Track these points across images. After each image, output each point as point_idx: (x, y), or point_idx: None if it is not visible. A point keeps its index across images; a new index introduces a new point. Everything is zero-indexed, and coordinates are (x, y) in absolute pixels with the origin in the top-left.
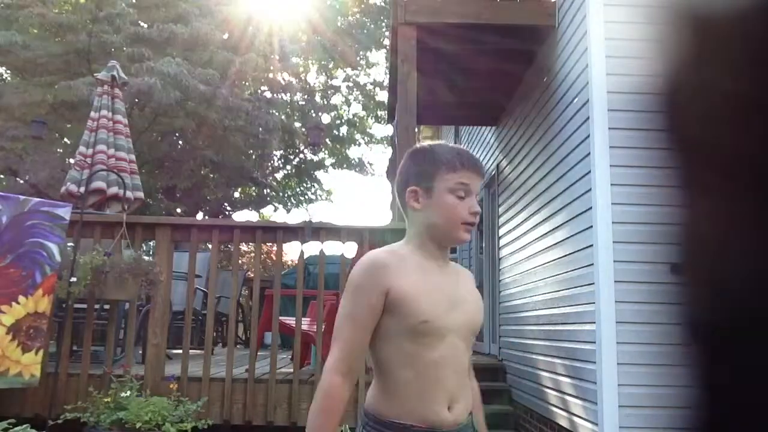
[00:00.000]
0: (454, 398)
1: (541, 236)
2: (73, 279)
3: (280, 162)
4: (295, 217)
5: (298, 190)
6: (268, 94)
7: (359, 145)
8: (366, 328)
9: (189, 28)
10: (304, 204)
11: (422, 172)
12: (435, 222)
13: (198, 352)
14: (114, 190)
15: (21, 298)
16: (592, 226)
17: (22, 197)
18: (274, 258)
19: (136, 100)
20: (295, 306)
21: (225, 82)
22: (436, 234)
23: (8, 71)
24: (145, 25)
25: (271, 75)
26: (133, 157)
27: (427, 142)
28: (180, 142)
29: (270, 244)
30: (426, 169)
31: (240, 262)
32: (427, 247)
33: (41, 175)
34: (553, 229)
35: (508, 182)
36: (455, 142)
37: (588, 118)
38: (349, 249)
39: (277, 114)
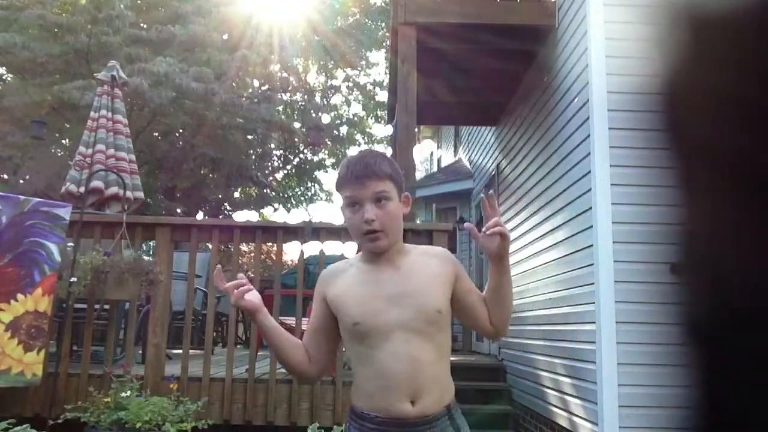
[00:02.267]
0: (416, 392)
1: (541, 236)
2: (73, 279)
3: (280, 162)
4: (295, 217)
5: (298, 190)
6: (267, 92)
7: (359, 145)
8: (317, 328)
9: (187, 29)
10: (304, 204)
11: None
12: (353, 237)
13: (198, 352)
14: (114, 190)
15: (19, 296)
16: (592, 226)
17: (21, 197)
18: (274, 258)
19: (128, 99)
20: (295, 306)
21: (222, 79)
22: (358, 245)
23: (8, 72)
24: (145, 26)
25: (268, 71)
26: (132, 157)
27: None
28: (180, 142)
29: (270, 244)
30: (335, 188)
31: (240, 262)
32: (365, 256)
33: (41, 175)
34: (553, 229)
35: (508, 182)
36: (455, 142)
37: (588, 118)
38: (349, 249)
39: (276, 109)
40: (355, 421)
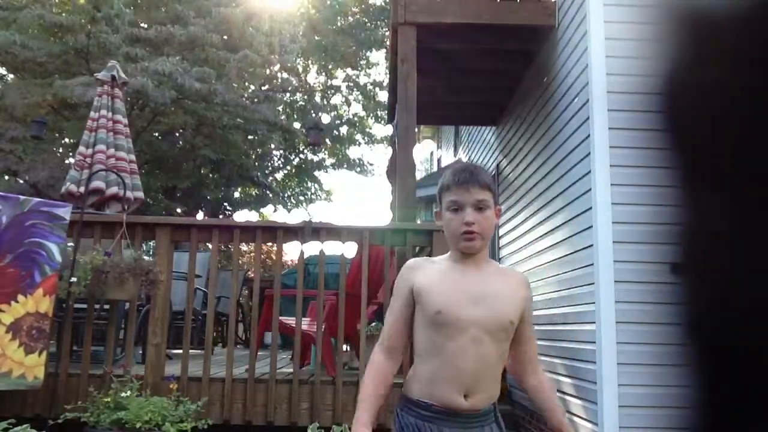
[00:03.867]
0: (472, 388)
1: (541, 236)
2: (73, 279)
3: (280, 162)
4: (295, 217)
5: (298, 190)
6: (267, 92)
7: (359, 145)
8: (400, 316)
9: (187, 30)
10: (304, 204)
11: (437, 195)
12: (446, 236)
13: (198, 352)
14: (114, 190)
15: (20, 297)
16: (592, 226)
17: (21, 197)
18: (274, 258)
19: (128, 98)
20: (295, 306)
21: (222, 79)
22: (451, 244)
23: (8, 71)
24: (145, 26)
25: (268, 71)
26: (133, 157)
27: (451, 165)
28: (180, 142)
29: (270, 244)
30: (437, 192)
31: (240, 262)
32: (454, 255)
33: (41, 175)
34: (553, 229)
35: (508, 182)
36: (455, 142)
37: (588, 118)
38: (349, 249)
39: (277, 109)
40: (411, 410)
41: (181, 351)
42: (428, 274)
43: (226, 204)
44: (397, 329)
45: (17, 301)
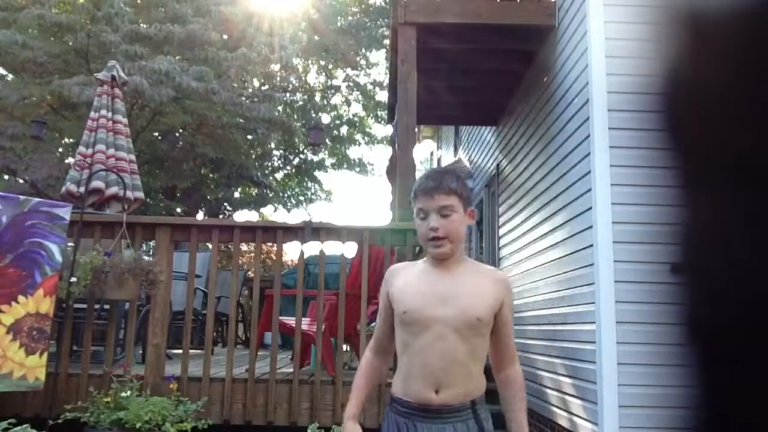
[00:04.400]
0: (442, 383)
1: (541, 236)
2: (73, 279)
3: (280, 162)
4: (295, 217)
5: (298, 190)
6: (267, 92)
7: (359, 145)
8: (385, 318)
9: (186, 28)
10: (304, 204)
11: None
12: (418, 240)
13: (198, 352)
14: (114, 190)
15: (20, 298)
16: (592, 226)
17: (21, 197)
18: (274, 258)
19: (127, 98)
20: (295, 306)
21: (222, 78)
22: (424, 249)
23: (8, 71)
24: (144, 26)
25: (268, 71)
26: (133, 157)
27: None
28: (180, 142)
29: (270, 244)
30: (411, 198)
31: (240, 262)
32: (429, 260)
33: (41, 174)
34: (553, 229)
35: (508, 182)
36: (455, 142)
37: (588, 118)
38: (349, 249)
39: (276, 109)
40: (393, 407)
41: (181, 351)
42: (404, 278)
43: (226, 204)
44: (384, 332)
45: (18, 302)
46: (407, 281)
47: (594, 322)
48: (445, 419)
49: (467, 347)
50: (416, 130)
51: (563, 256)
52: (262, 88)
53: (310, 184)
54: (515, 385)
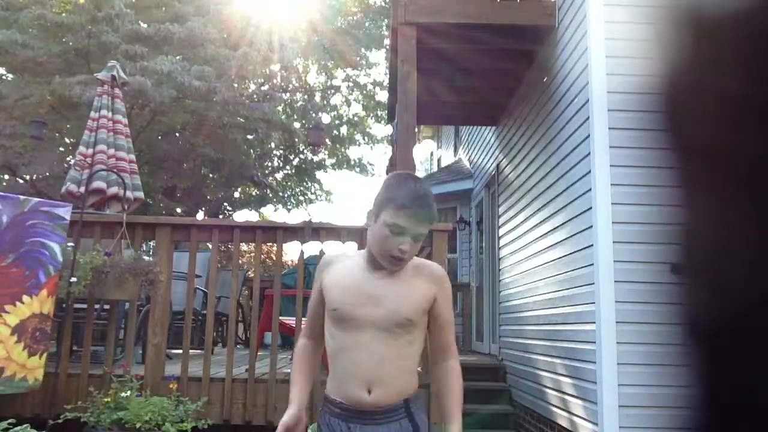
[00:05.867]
0: (373, 383)
1: (541, 236)
2: (73, 279)
3: (280, 162)
4: (295, 217)
5: (298, 190)
6: (268, 91)
7: (359, 145)
8: (316, 309)
9: (186, 28)
10: (304, 204)
11: (379, 202)
12: (372, 245)
13: (198, 352)
14: (114, 190)
15: (25, 298)
16: (592, 226)
17: (21, 197)
18: (274, 258)
19: (127, 98)
20: (295, 306)
21: (222, 78)
22: (375, 252)
23: (8, 71)
24: (145, 25)
25: (268, 71)
26: (133, 157)
27: (405, 177)
28: (180, 142)
29: (270, 244)
30: (381, 200)
31: (240, 262)
32: (369, 257)
33: (40, 170)
34: (553, 229)
35: (508, 182)
36: (455, 142)
37: (588, 118)
38: (349, 249)
39: (277, 109)
40: (327, 407)
41: (181, 351)
42: (337, 271)
43: (226, 204)
44: (317, 323)
45: (22, 302)
46: (340, 276)
47: (594, 322)
48: (378, 421)
49: (398, 346)
50: (416, 130)
51: (563, 256)
52: (262, 87)
53: (310, 184)
54: (449, 380)
